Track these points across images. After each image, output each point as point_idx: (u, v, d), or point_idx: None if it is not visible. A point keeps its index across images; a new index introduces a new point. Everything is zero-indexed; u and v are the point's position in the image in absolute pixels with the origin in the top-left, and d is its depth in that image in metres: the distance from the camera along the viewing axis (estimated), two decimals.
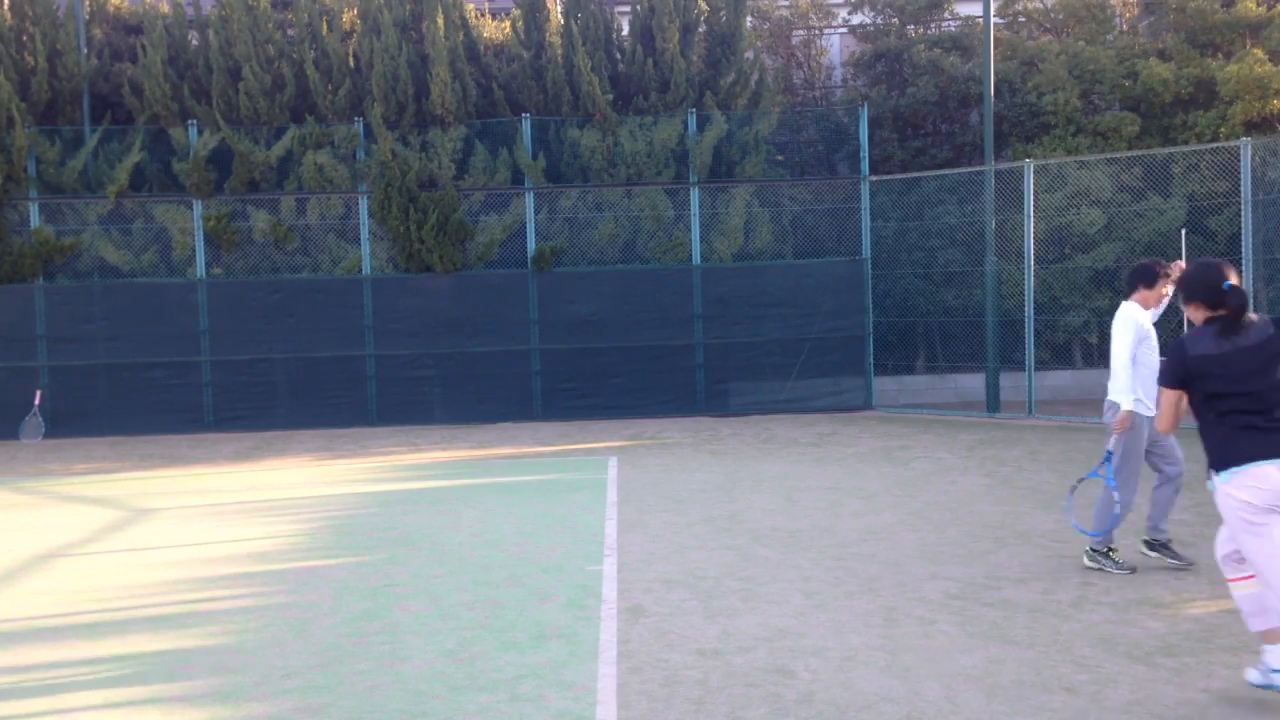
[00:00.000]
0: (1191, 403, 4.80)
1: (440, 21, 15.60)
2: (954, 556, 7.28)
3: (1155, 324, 6.89)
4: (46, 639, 6.01)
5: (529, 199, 15.70)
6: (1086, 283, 15.90)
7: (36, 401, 14.81)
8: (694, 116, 15.70)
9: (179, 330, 15.26)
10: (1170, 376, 4.79)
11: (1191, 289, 4.77)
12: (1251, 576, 4.68)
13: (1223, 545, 4.84)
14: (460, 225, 15.47)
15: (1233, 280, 4.68)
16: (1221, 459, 4.63)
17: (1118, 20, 17.93)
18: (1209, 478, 4.71)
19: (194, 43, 16.27)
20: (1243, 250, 12.90)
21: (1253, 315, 4.67)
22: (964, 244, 16.00)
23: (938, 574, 6.84)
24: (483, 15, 17.54)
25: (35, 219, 15.35)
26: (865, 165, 15.96)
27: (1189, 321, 4.93)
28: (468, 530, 8.51)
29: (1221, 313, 4.67)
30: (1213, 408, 4.66)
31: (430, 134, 15.68)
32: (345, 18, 16.27)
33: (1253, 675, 4.78)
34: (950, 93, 17.18)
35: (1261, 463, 4.50)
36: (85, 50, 16.00)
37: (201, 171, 15.28)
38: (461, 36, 16.09)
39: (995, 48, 16.46)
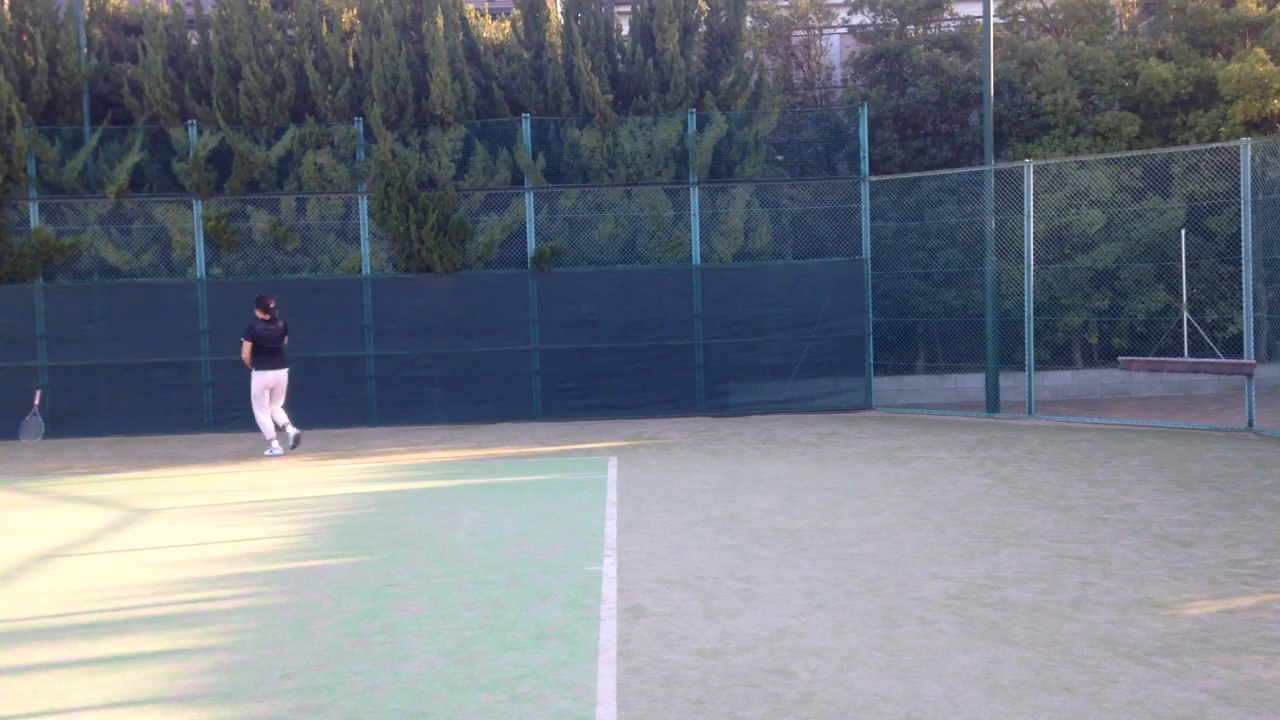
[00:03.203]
0: (258, 350, 12.65)
1: (440, 21, 15.61)
2: (954, 556, 7.28)
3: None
4: (46, 639, 6.01)
5: (529, 199, 15.70)
6: (1086, 283, 15.91)
7: (36, 401, 14.81)
8: (694, 117, 15.70)
9: (179, 330, 15.26)
10: (252, 335, 12.64)
11: (259, 302, 12.77)
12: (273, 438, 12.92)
13: (268, 422, 12.91)
14: (460, 225, 15.48)
15: (271, 304, 12.76)
16: (258, 366, 12.64)
17: (1118, 20, 17.93)
18: (250, 370, 12.79)
19: (194, 43, 16.27)
20: (1242, 250, 12.89)
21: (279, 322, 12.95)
22: (964, 244, 16.00)
23: (938, 574, 6.85)
24: (483, 15, 17.53)
25: (35, 219, 15.35)
26: (865, 165, 15.96)
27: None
28: (468, 530, 8.52)
29: (268, 316, 12.68)
30: (260, 350, 12.65)
31: (430, 134, 15.68)
32: (345, 18, 16.26)
33: (269, 449, 12.91)
34: (950, 93, 17.18)
35: (270, 372, 12.76)
36: (85, 50, 16.00)
37: (201, 171, 15.28)
38: (461, 36, 16.10)
39: (995, 48, 16.46)
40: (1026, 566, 6.98)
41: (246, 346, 12.71)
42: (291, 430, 12.84)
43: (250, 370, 12.87)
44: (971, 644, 5.49)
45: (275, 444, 12.97)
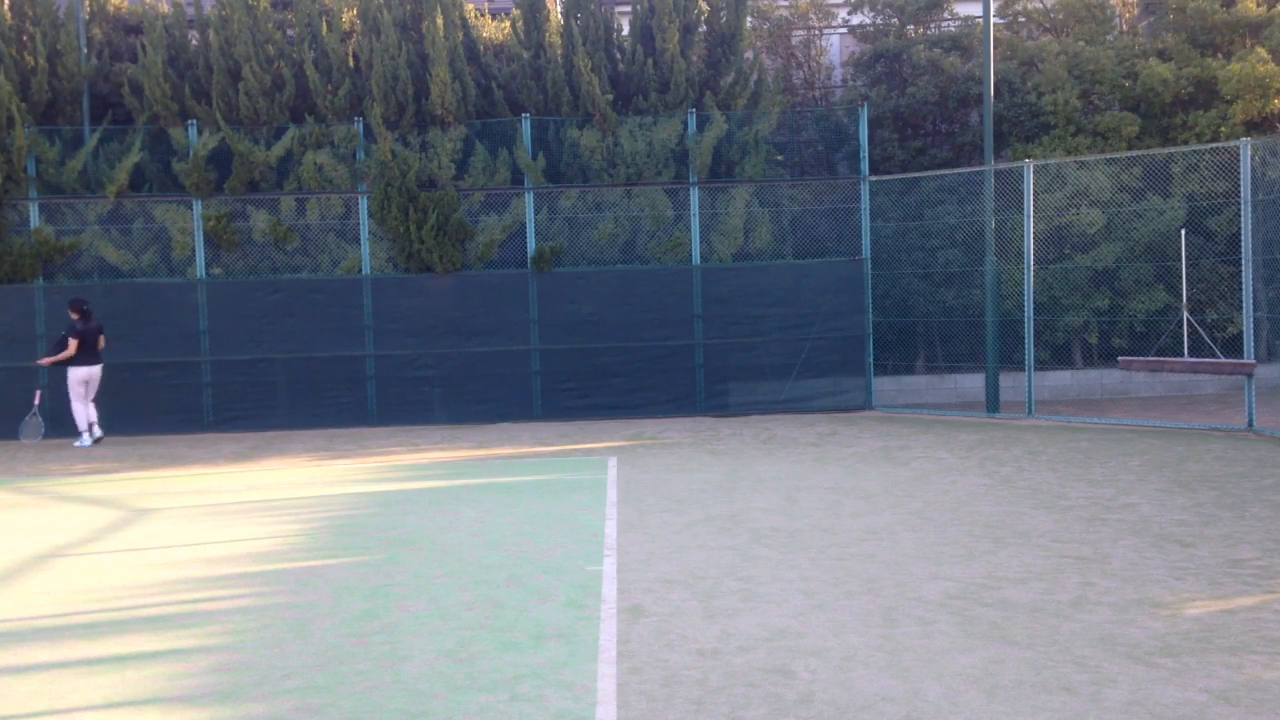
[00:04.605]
0: (79, 347, 13.92)
1: (440, 21, 15.61)
2: (954, 556, 7.28)
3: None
4: (46, 639, 6.01)
5: (529, 199, 15.70)
6: (1086, 283, 15.91)
7: (36, 401, 14.80)
8: (694, 116, 15.70)
9: (179, 330, 15.26)
10: (74, 334, 13.81)
11: (74, 305, 14.01)
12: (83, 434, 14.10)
13: (81, 415, 14.10)
14: (460, 225, 15.47)
15: (85, 306, 14.05)
16: (77, 363, 13.90)
17: (1118, 20, 17.93)
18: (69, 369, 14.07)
19: (194, 43, 16.27)
20: (1242, 250, 12.89)
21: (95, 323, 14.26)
22: (964, 244, 16.00)
23: (938, 574, 6.85)
24: (483, 15, 17.54)
25: (35, 219, 15.35)
26: (865, 165, 15.96)
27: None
28: (468, 530, 8.52)
29: (79, 316, 13.89)
30: (82, 347, 13.88)
31: (430, 134, 15.68)
32: (345, 18, 16.26)
33: (79, 440, 14.05)
34: (950, 93, 17.18)
35: (86, 367, 13.96)
36: (85, 50, 16.00)
37: (201, 171, 15.28)
38: (461, 36, 16.09)
39: (995, 48, 16.46)
40: (1026, 566, 6.98)
41: (73, 344, 13.98)
42: (96, 430, 14.25)
43: (68, 366, 14.15)
44: (971, 644, 5.49)
45: (86, 436, 14.16)
